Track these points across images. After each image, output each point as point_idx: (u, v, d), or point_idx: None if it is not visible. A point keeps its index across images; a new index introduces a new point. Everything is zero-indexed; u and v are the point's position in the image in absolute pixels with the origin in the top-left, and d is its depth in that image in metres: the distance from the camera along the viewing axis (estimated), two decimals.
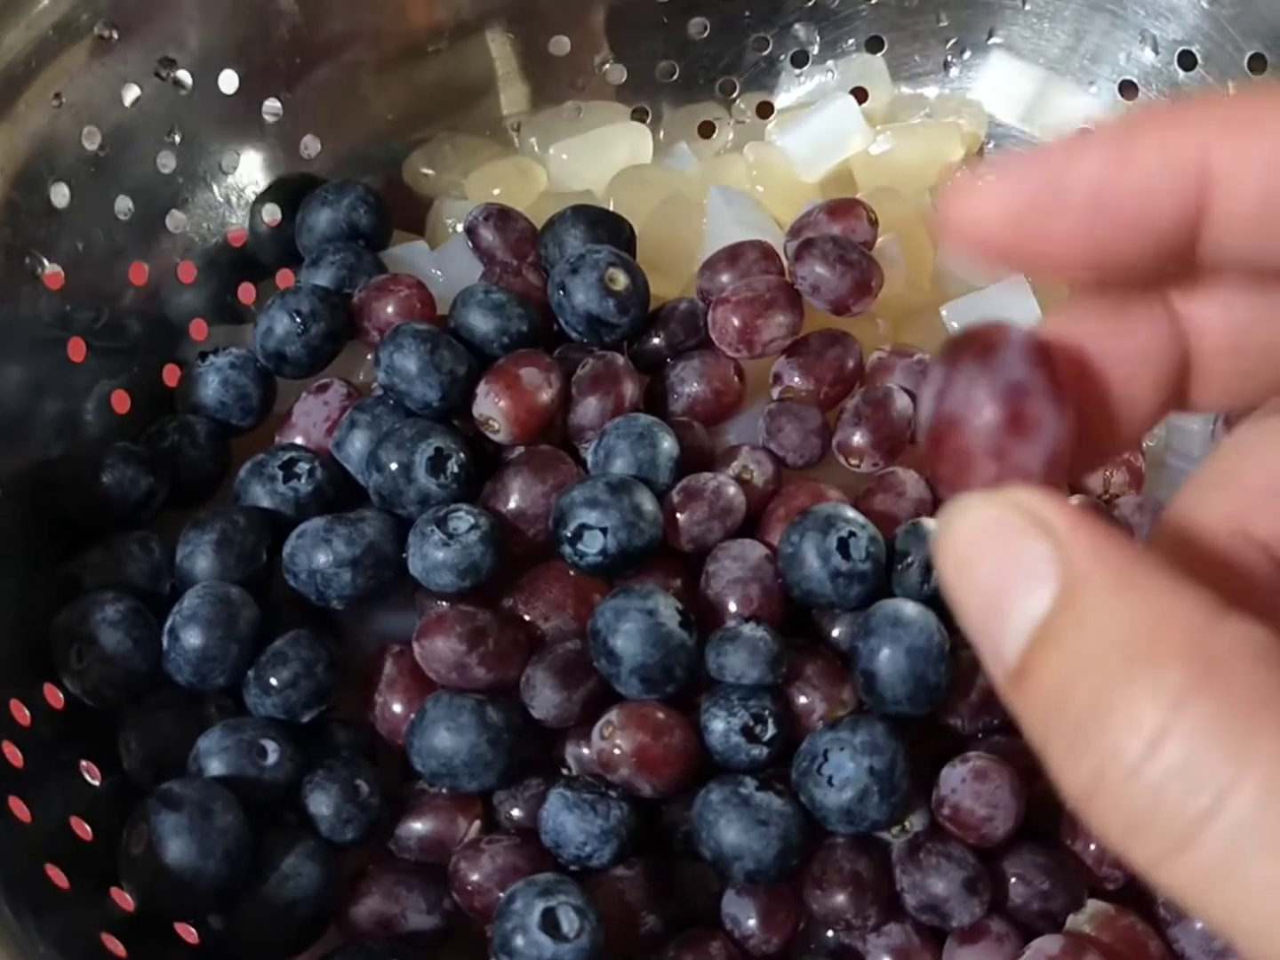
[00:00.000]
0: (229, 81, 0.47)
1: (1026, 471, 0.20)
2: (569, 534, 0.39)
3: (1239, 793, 0.17)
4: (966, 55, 0.53)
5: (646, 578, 0.40)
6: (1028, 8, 0.51)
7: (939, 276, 0.50)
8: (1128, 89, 0.51)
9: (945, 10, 0.52)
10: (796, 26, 0.54)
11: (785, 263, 0.47)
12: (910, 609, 0.38)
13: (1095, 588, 0.19)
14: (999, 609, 0.20)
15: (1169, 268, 0.21)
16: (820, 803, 0.37)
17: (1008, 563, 0.20)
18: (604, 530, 0.39)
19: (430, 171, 0.53)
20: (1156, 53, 0.50)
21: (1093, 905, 0.37)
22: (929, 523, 0.41)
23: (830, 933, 0.38)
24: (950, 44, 0.53)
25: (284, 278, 0.49)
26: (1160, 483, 0.46)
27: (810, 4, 0.53)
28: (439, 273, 0.49)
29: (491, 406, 0.42)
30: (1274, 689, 0.18)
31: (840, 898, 0.36)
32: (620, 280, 0.44)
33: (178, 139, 0.46)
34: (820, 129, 0.52)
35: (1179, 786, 0.18)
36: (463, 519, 0.40)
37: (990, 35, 0.52)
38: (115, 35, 0.43)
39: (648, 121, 0.55)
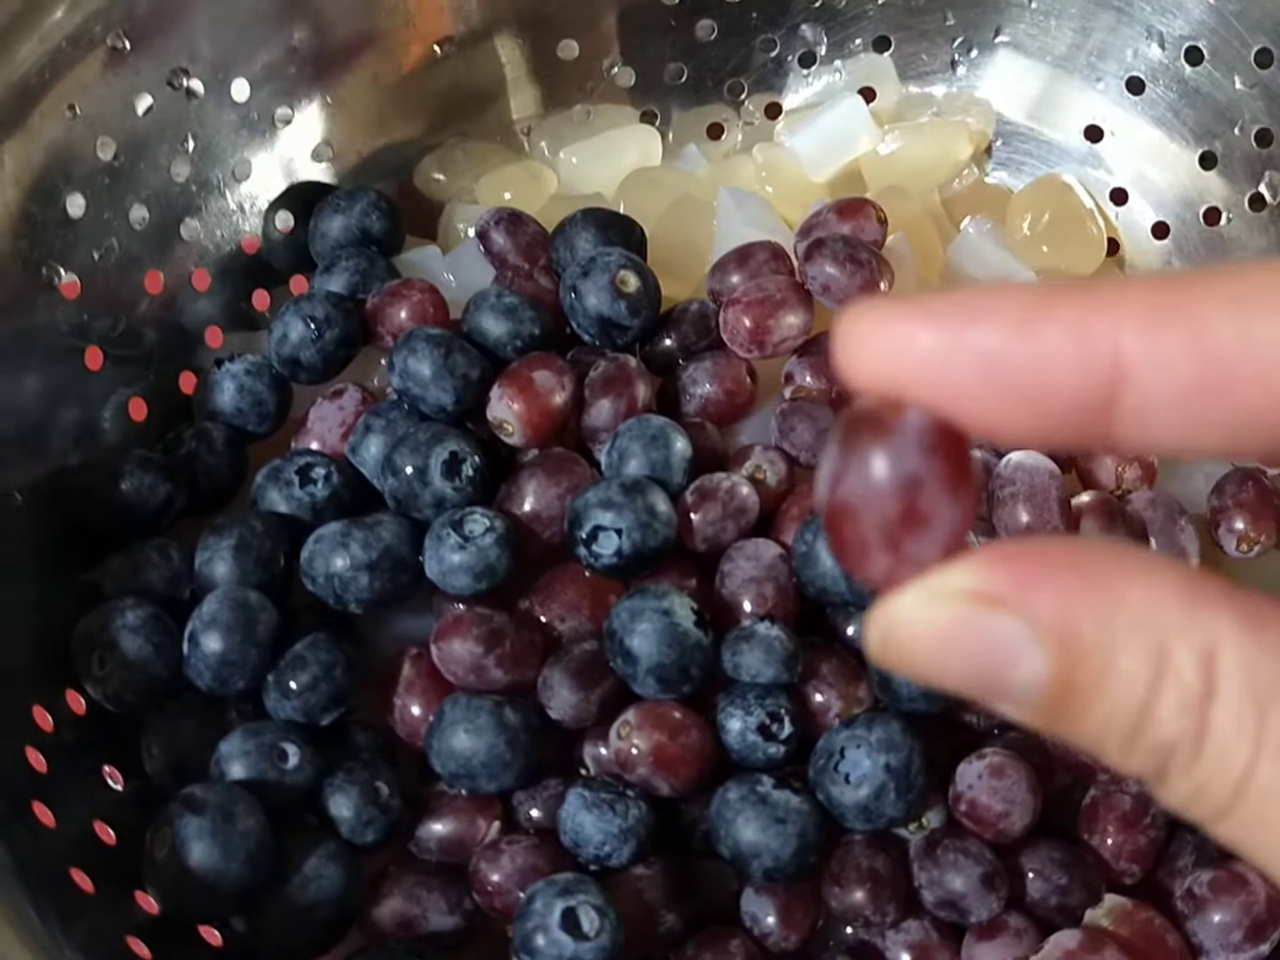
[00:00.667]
0: (241, 90, 0.47)
1: (921, 562, 0.19)
2: (584, 535, 0.40)
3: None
4: (973, 54, 0.53)
5: (661, 578, 0.40)
6: (1034, 5, 0.51)
7: (949, 275, 0.50)
8: (1134, 85, 0.51)
9: (952, 9, 0.52)
10: (804, 27, 0.54)
11: (795, 263, 0.47)
12: None
13: (1086, 623, 0.19)
14: (995, 687, 0.19)
15: (1074, 439, 0.20)
16: (837, 800, 0.37)
17: (981, 654, 0.19)
18: (619, 531, 0.39)
19: (441, 177, 0.53)
20: (1163, 48, 0.50)
21: (1110, 900, 0.37)
22: None
23: (849, 930, 0.38)
24: (957, 43, 0.53)
25: (297, 284, 0.49)
26: (1173, 478, 0.46)
27: (817, 4, 0.53)
28: (451, 277, 0.49)
29: (505, 410, 0.42)
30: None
31: (859, 895, 0.37)
32: (631, 282, 0.45)
33: (191, 148, 0.46)
34: (829, 129, 0.52)
35: (1225, 749, 0.18)
36: (478, 522, 0.40)
37: (997, 33, 0.52)
38: (128, 46, 0.43)
39: (656, 124, 0.55)
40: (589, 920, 0.34)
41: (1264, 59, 0.48)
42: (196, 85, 0.46)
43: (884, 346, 0.19)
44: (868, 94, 0.54)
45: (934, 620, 0.19)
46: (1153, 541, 0.43)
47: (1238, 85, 0.49)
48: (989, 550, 0.19)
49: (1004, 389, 0.19)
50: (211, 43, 0.46)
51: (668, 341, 0.46)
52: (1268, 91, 0.48)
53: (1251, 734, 0.18)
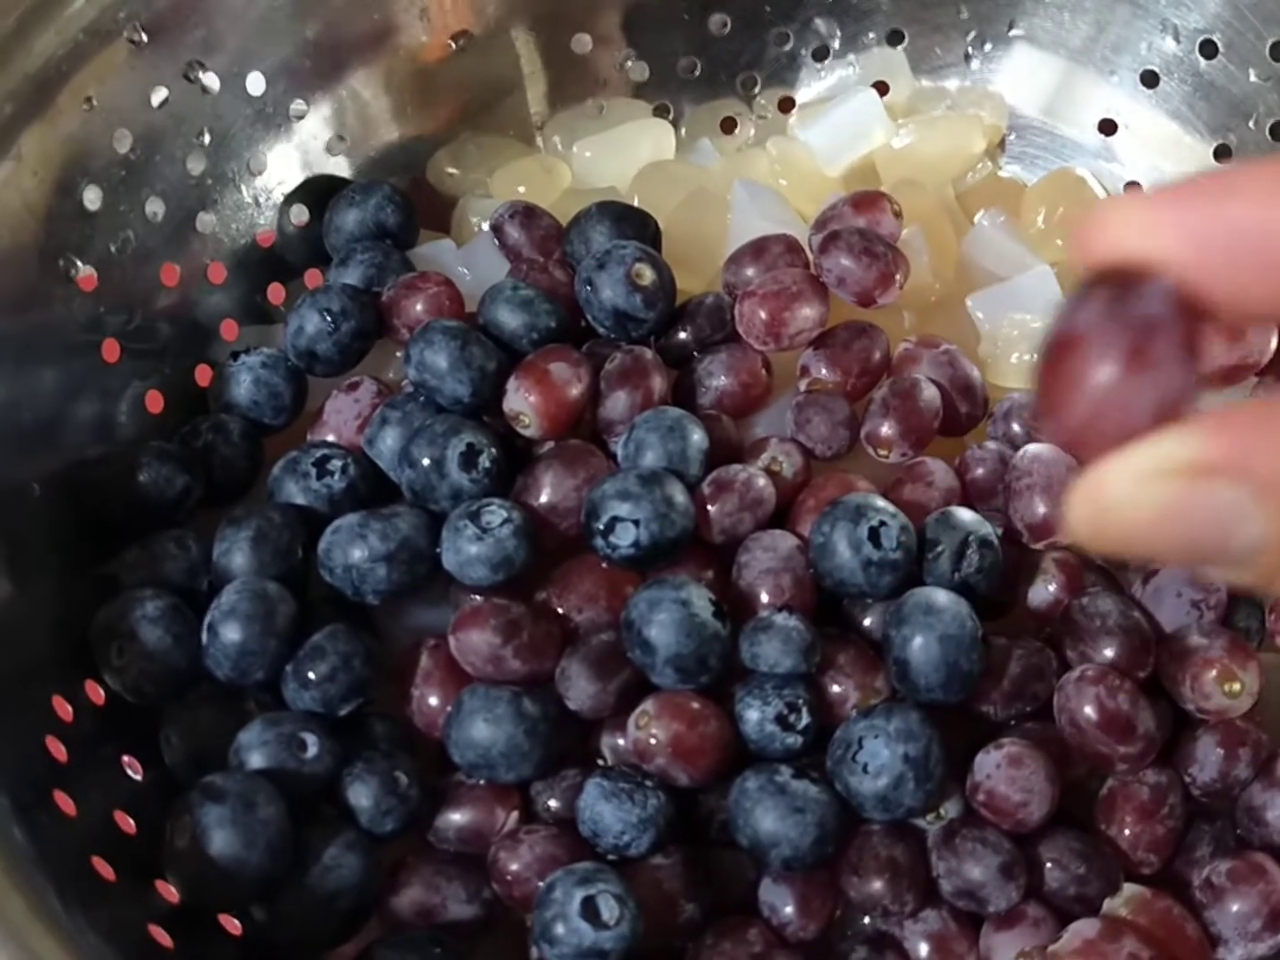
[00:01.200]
0: (256, 83, 0.47)
1: (1129, 417, 0.18)
2: (601, 526, 0.40)
3: None
4: (987, 47, 0.53)
5: (678, 569, 0.40)
6: None
7: (963, 268, 0.50)
8: (1149, 78, 0.51)
9: (965, 3, 0.52)
10: (817, 21, 0.54)
11: (810, 256, 0.47)
12: (942, 597, 0.39)
13: None
14: (1216, 555, 0.20)
15: None
16: (855, 790, 0.37)
17: (1203, 525, 0.19)
18: (636, 522, 0.39)
19: (455, 171, 0.53)
20: (1178, 42, 0.50)
21: (1129, 889, 0.37)
22: (959, 512, 0.41)
23: (867, 919, 0.38)
24: (971, 36, 0.53)
25: (312, 278, 0.50)
26: None
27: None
28: (465, 271, 0.49)
29: (522, 401, 0.42)
30: None
31: (877, 884, 0.37)
32: (647, 275, 0.45)
33: (207, 141, 0.46)
34: (842, 122, 0.52)
35: None
36: (496, 513, 0.40)
37: (1011, 27, 0.53)
38: (145, 39, 0.44)
39: (669, 118, 0.55)
40: (609, 909, 0.34)
41: (1279, 52, 0.48)
42: (212, 79, 0.46)
43: (1141, 226, 0.20)
44: (881, 88, 0.54)
45: (1153, 497, 0.19)
46: None
47: (1252, 78, 0.49)
48: (1203, 419, 0.19)
49: (1253, 258, 0.19)
50: (227, 36, 0.46)
51: (683, 334, 0.46)
52: None
53: None
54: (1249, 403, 0.19)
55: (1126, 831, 0.38)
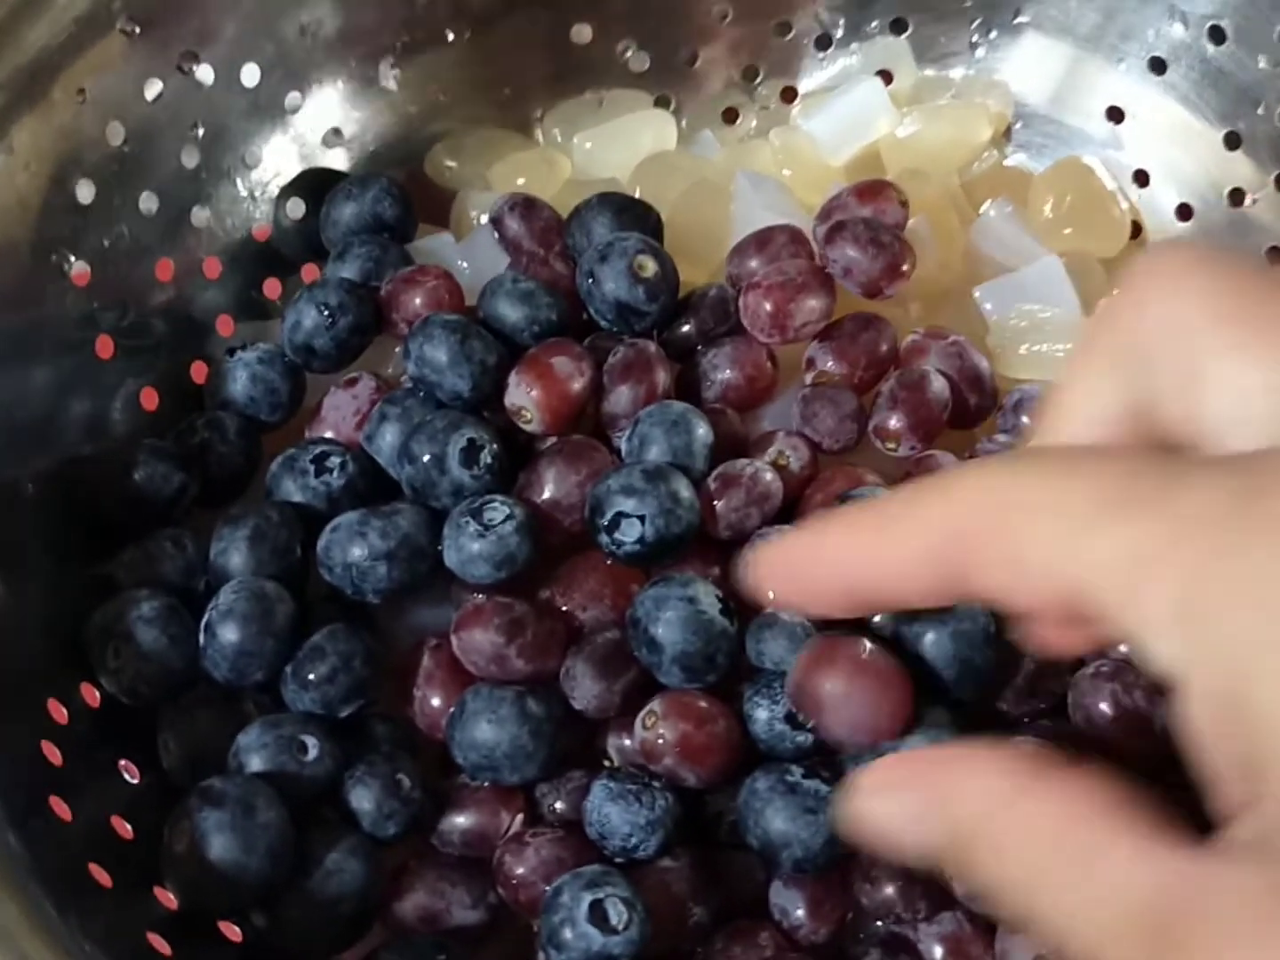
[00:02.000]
0: (251, 75, 0.47)
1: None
2: (605, 523, 0.39)
3: None
4: (993, 35, 0.52)
5: (684, 566, 0.40)
6: None
7: (970, 258, 0.49)
8: (1157, 65, 0.50)
9: None
10: (820, 9, 0.53)
11: (814, 247, 0.46)
12: None
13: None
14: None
15: None
16: None
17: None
18: (641, 518, 0.39)
19: (453, 163, 0.53)
20: (1186, 28, 0.49)
21: None
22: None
23: (880, 922, 0.37)
24: (976, 24, 0.52)
25: (309, 272, 0.49)
26: None
27: None
28: (465, 264, 0.48)
29: (524, 396, 0.42)
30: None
31: (890, 890, 0.36)
32: (649, 267, 0.44)
33: (201, 134, 0.46)
34: (847, 112, 0.51)
35: None
36: (498, 510, 0.39)
37: (1016, 14, 0.52)
38: (138, 30, 0.43)
39: (670, 109, 0.54)
40: (617, 913, 0.33)
41: None
42: (206, 71, 0.45)
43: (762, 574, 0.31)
44: (885, 77, 0.53)
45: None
46: None
47: (1262, 65, 0.48)
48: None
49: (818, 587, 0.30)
50: (221, 27, 0.45)
51: (686, 327, 0.45)
52: None
53: None
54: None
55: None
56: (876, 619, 0.40)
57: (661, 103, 0.54)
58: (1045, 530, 0.24)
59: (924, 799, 0.26)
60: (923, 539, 0.26)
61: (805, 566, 0.30)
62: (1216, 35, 0.49)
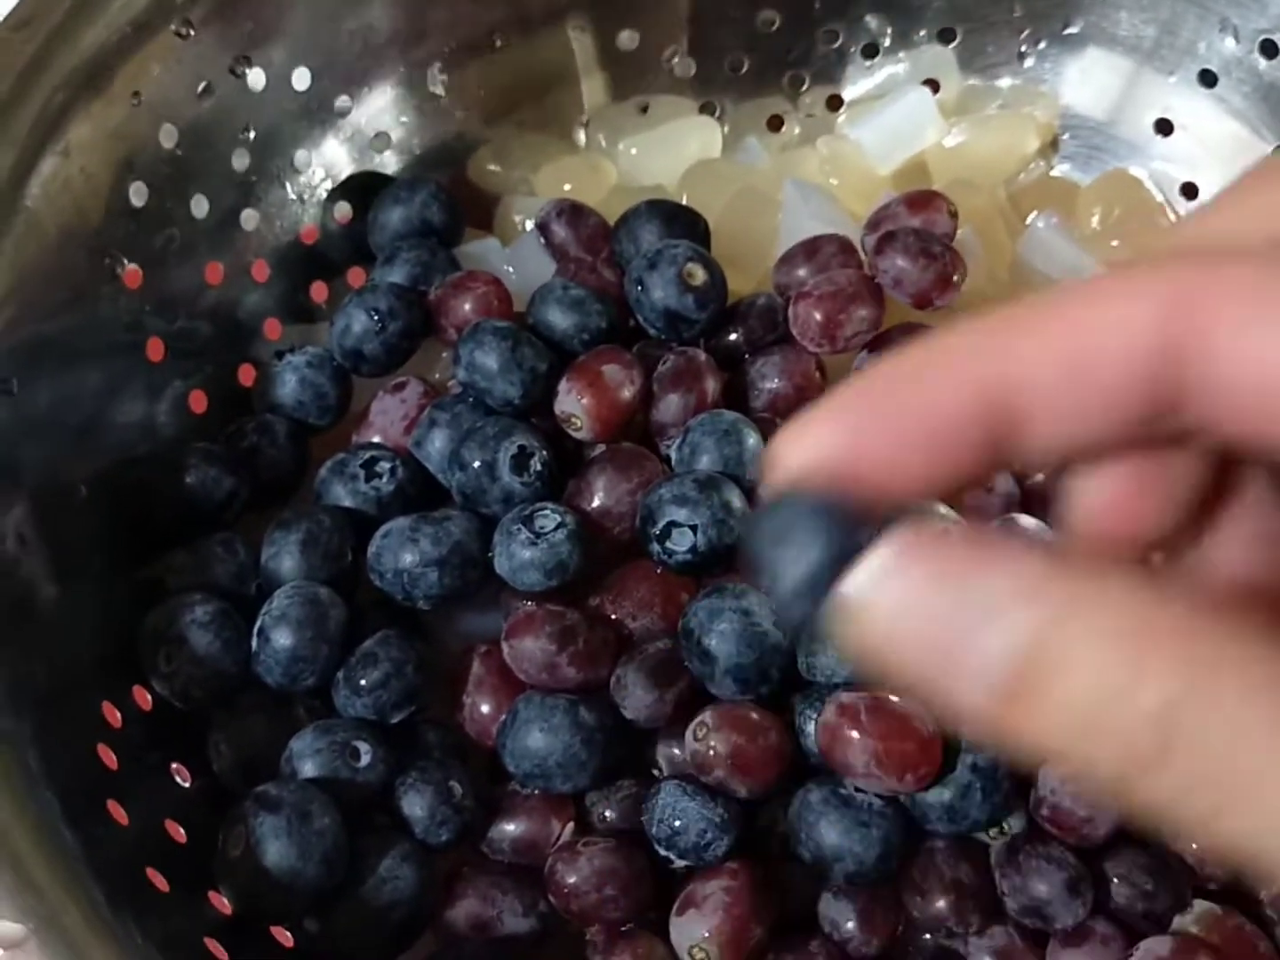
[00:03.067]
0: (302, 79, 0.47)
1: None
2: (657, 532, 0.39)
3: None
4: (1041, 45, 0.52)
5: (734, 576, 0.40)
6: None
7: (1018, 269, 0.49)
8: (1207, 78, 0.50)
9: (1020, 0, 0.51)
10: (868, 18, 0.53)
11: (863, 256, 0.46)
12: None
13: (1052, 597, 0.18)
14: (953, 668, 0.18)
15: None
16: (920, 801, 0.36)
17: (942, 627, 0.18)
18: (693, 528, 0.39)
19: (498, 168, 0.53)
20: (1237, 41, 0.49)
21: (1200, 905, 0.36)
22: (1021, 519, 0.40)
23: (929, 935, 0.37)
24: (1025, 34, 0.52)
25: (355, 276, 0.49)
26: None
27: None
28: (511, 270, 0.48)
29: (574, 404, 0.42)
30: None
31: (941, 904, 0.36)
32: (699, 275, 0.44)
33: (251, 137, 0.46)
34: (895, 121, 0.51)
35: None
36: (549, 517, 0.39)
37: (1066, 25, 0.52)
38: (192, 33, 0.43)
39: (715, 116, 0.54)
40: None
41: None
42: (258, 74, 0.45)
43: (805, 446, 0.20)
44: (931, 86, 0.53)
45: (892, 592, 0.18)
46: None
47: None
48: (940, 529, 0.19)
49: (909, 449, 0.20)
50: (274, 31, 0.45)
51: (734, 335, 0.45)
52: None
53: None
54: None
55: (1194, 846, 0.37)
56: None
57: (707, 109, 0.54)
58: None
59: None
60: (1131, 316, 0.19)
61: (900, 398, 0.20)
62: (1268, 49, 0.48)
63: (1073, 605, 0.18)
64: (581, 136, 0.54)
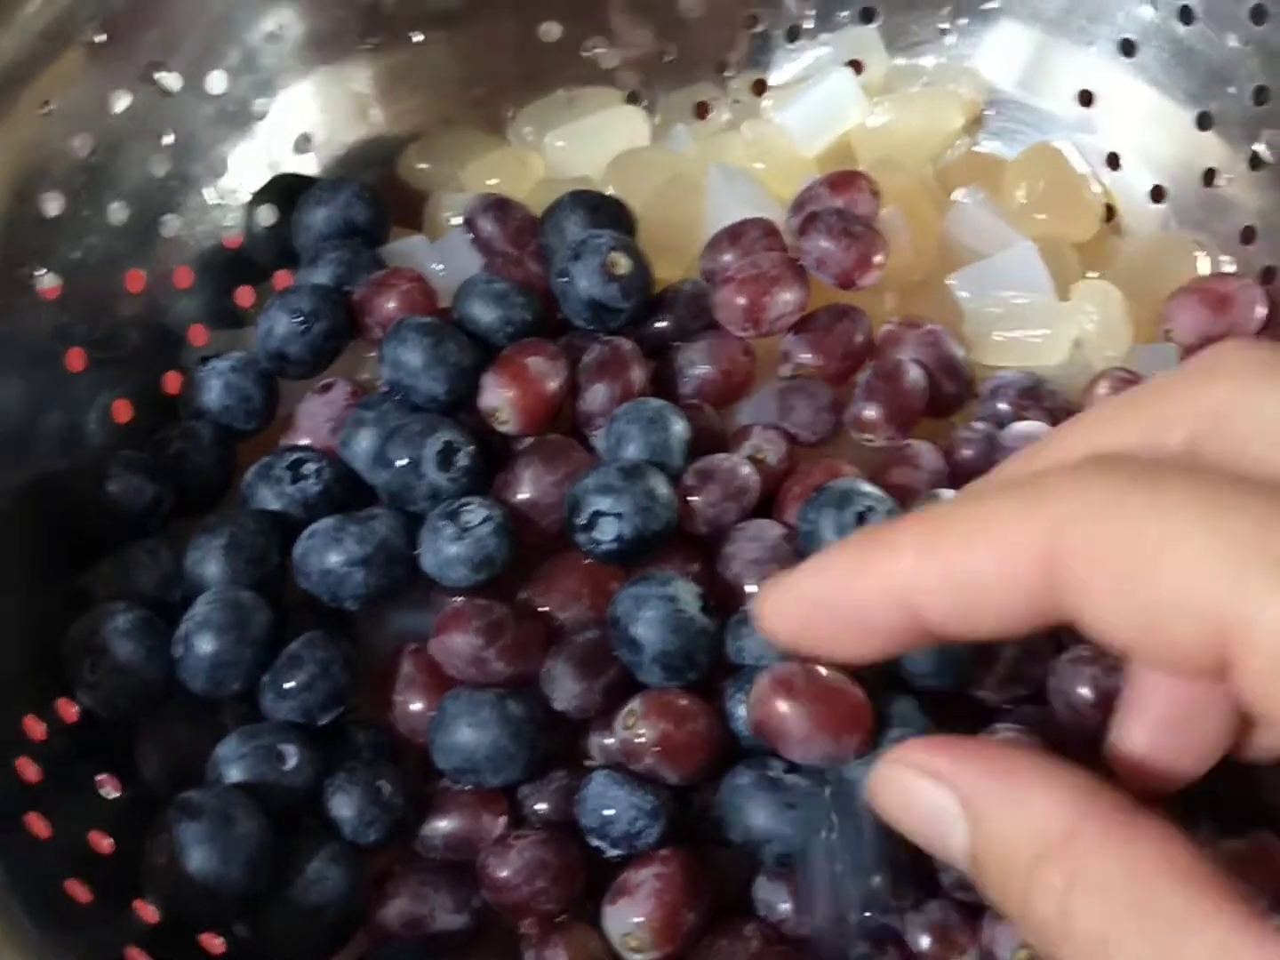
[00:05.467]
0: (218, 82, 0.46)
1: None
2: (583, 522, 0.39)
3: None
4: (962, 22, 0.52)
5: (663, 563, 0.40)
6: None
7: (945, 246, 0.49)
8: (1127, 47, 0.50)
9: None
10: (789, 1, 0.53)
11: (788, 239, 0.46)
12: None
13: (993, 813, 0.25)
14: (939, 847, 0.26)
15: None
16: (849, 778, 0.36)
17: (921, 818, 0.26)
18: (618, 516, 0.39)
19: (425, 165, 0.53)
20: (1155, 9, 0.49)
21: None
22: (947, 495, 0.40)
23: (866, 912, 0.37)
24: (946, 11, 0.52)
25: (282, 279, 0.49)
26: None
27: None
28: (440, 266, 0.48)
29: (498, 397, 0.42)
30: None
31: (874, 880, 0.36)
32: (623, 264, 0.44)
33: (169, 142, 0.45)
34: (817, 102, 0.51)
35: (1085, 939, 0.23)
36: (475, 512, 0.39)
37: (985, 0, 0.52)
38: (104, 40, 0.43)
39: (643, 105, 0.54)
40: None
41: (1258, 15, 0.47)
42: (173, 79, 0.45)
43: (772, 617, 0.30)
44: (856, 66, 0.53)
45: (893, 780, 0.27)
46: None
47: (1231, 43, 0.48)
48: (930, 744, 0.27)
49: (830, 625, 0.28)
50: (186, 35, 0.45)
51: (662, 323, 0.45)
52: (1263, 48, 0.47)
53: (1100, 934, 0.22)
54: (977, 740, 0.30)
55: None
56: None
57: (633, 99, 0.54)
58: (1196, 559, 0.21)
59: (965, 806, 0.25)
60: (1007, 548, 0.23)
61: (835, 597, 0.27)
62: (1186, 15, 0.48)
63: None
64: (508, 131, 0.53)
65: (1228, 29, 0.48)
